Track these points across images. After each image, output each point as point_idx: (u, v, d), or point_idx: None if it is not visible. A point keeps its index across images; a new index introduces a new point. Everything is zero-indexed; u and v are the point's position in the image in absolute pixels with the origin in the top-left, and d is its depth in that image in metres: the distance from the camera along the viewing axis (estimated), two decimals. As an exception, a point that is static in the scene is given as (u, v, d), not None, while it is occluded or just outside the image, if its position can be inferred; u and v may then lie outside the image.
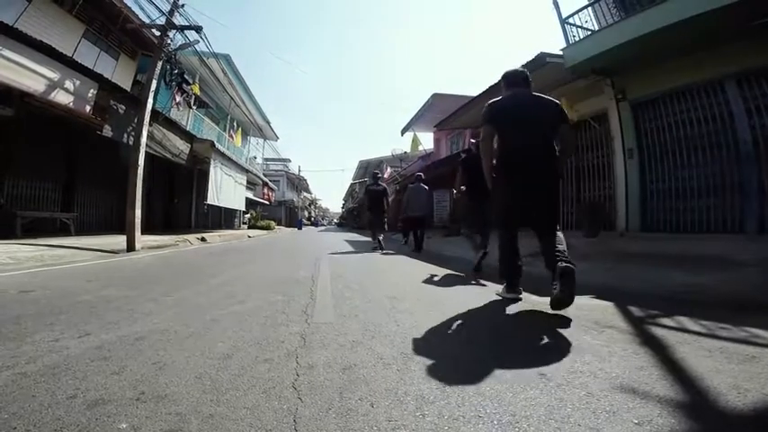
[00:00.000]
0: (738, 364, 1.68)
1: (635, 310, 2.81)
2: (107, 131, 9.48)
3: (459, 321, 2.37)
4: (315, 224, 62.53)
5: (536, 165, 2.79)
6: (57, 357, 1.68)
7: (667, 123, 7.14)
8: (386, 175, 25.39)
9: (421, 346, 1.88)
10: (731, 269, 4.15)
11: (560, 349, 1.87)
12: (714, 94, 6.44)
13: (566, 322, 2.40)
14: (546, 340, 2.02)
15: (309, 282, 3.72)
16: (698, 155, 6.63)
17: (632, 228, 7.45)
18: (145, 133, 8.21)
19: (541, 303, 2.95)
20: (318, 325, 2.18)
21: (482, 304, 2.92)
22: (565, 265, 2.44)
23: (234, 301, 2.70)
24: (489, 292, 3.46)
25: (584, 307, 2.82)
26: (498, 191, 2.96)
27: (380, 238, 9.16)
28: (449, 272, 4.99)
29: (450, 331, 2.14)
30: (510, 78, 3.09)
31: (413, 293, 3.27)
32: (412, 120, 17.58)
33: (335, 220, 79.54)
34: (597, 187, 8.69)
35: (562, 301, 2.39)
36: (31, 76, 7.48)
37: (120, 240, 7.73)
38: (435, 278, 4.31)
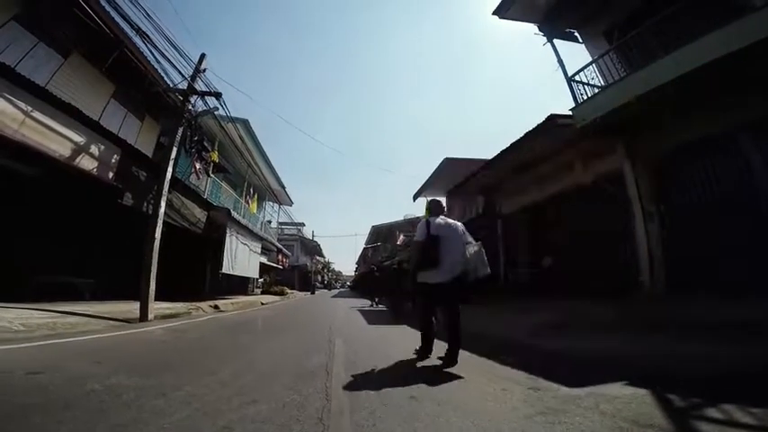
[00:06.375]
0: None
1: (675, 400, 2.60)
2: (127, 200, 9.37)
3: (479, 425, 2.18)
4: (327, 287, 62.06)
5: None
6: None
7: (685, 181, 6.98)
8: (399, 242, 26.09)
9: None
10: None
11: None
12: (730, 148, 6.25)
13: (600, 424, 2.18)
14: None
15: (324, 374, 3.46)
16: (720, 214, 6.34)
17: (658, 292, 7.02)
18: (163, 205, 8.36)
19: (572, 397, 2.72)
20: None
21: (506, 402, 2.71)
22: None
23: (246, 401, 2.54)
24: (516, 384, 3.28)
25: (618, 399, 2.60)
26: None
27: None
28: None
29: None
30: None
31: (435, 390, 3.04)
32: (424, 185, 17.74)
33: (348, 283, 78.79)
34: (619, 252, 8.21)
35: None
36: (57, 139, 7.49)
37: (132, 308, 7.70)
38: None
